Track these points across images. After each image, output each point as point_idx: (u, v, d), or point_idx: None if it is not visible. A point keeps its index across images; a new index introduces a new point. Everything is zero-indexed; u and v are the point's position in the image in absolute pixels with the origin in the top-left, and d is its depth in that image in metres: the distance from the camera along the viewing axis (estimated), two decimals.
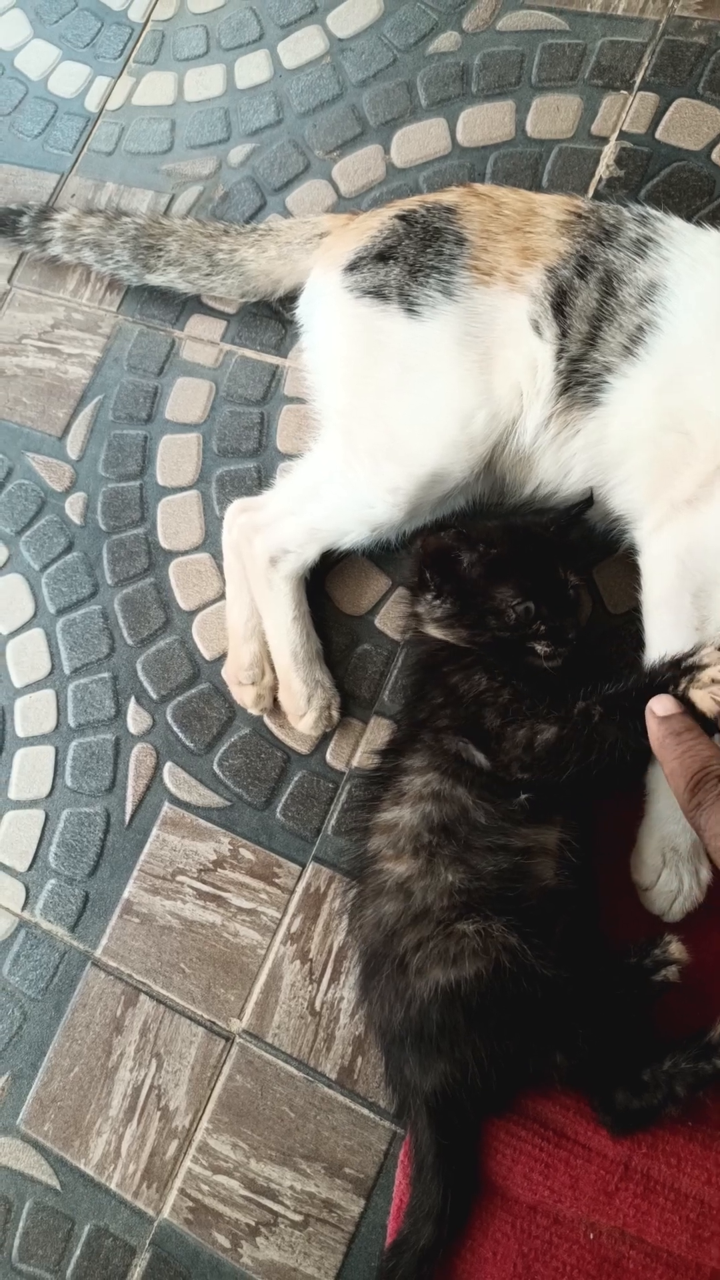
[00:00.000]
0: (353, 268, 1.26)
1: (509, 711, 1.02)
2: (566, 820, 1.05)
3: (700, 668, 0.97)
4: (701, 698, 0.95)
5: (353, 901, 1.10)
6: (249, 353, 1.53)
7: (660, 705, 0.95)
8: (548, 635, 1.06)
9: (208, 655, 1.39)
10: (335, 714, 1.30)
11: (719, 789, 0.88)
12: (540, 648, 1.06)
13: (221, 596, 1.39)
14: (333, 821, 1.27)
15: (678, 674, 0.97)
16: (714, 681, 0.95)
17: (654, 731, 0.95)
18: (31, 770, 1.41)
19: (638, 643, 1.15)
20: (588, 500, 1.18)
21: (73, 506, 1.52)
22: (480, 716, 1.03)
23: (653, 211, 1.21)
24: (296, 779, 1.31)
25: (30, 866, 1.36)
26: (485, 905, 0.98)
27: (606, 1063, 0.98)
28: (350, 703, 1.32)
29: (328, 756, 1.31)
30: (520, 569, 1.08)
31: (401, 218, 1.25)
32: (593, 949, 1.03)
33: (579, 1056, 0.96)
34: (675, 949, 0.96)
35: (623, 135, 1.47)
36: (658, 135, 1.45)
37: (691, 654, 0.99)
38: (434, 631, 1.11)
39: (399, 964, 1.00)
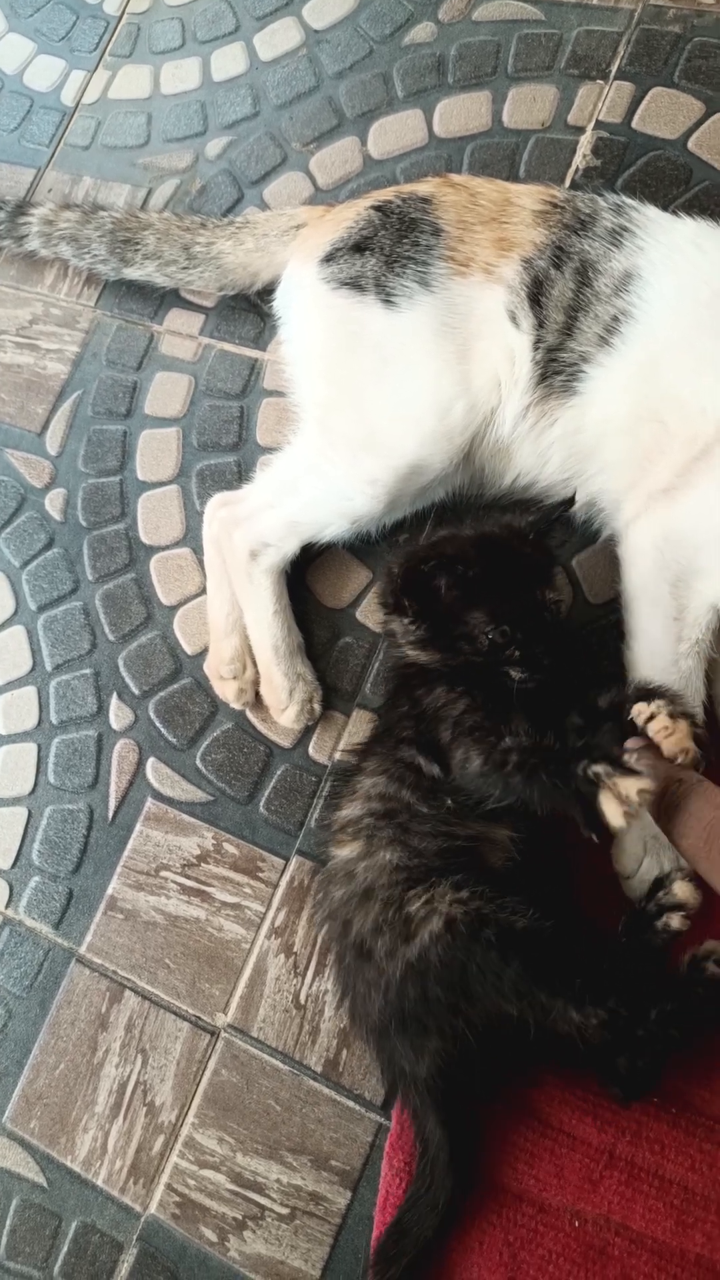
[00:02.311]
0: (329, 259, 1.25)
1: (457, 727, 1.01)
2: (517, 823, 1.03)
3: (621, 768, 0.90)
4: (610, 807, 0.89)
5: (317, 898, 1.11)
6: (228, 346, 1.52)
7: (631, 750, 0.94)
8: (521, 661, 1.02)
9: (189, 650, 1.39)
10: (317, 707, 1.30)
11: (682, 788, 0.91)
12: (514, 673, 1.03)
13: (203, 591, 1.39)
14: (316, 815, 1.27)
15: (602, 759, 0.92)
16: (638, 794, 0.89)
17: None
18: (14, 767, 1.40)
19: (619, 632, 1.15)
20: (568, 501, 1.14)
21: (53, 503, 1.51)
22: (436, 730, 1.03)
23: (628, 201, 1.21)
24: (279, 773, 1.30)
25: (13, 864, 1.36)
26: (427, 877, 0.98)
27: (612, 1020, 0.95)
28: (332, 696, 1.31)
29: (310, 750, 1.30)
30: (495, 591, 1.04)
31: (377, 208, 1.25)
32: (561, 914, 1.01)
33: (601, 1013, 0.93)
34: (681, 889, 0.95)
35: (599, 125, 1.47)
36: (634, 124, 1.45)
37: (608, 748, 0.94)
38: (409, 651, 1.09)
39: (360, 951, 1.00)
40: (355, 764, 1.10)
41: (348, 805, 1.07)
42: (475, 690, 1.03)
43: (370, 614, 1.34)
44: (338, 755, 1.28)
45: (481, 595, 1.03)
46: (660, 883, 0.98)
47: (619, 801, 0.88)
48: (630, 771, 0.90)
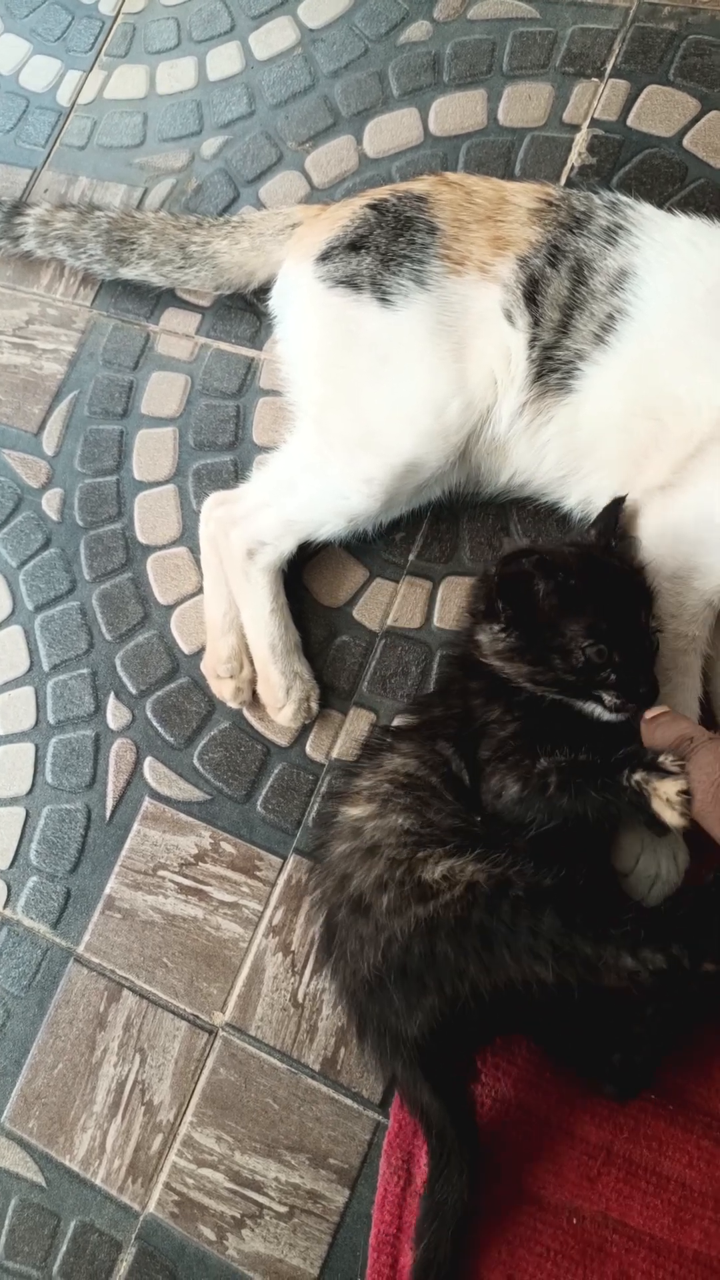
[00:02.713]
0: (325, 258, 1.25)
1: (500, 749, 0.99)
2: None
3: (658, 771, 0.93)
4: (668, 814, 0.92)
5: (314, 860, 1.10)
6: (224, 346, 1.52)
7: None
8: (617, 686, 0.97)
9: (186, 649, 1.39)
10: (314, 706, 1.30)
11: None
12: (608, 698, 0.98)
13: (199, 590, 1.39)
14: (313, 813, 1.27)
15: (639, 766, 0.94)
16: (678, 795, 0.91)
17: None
18: (11, 767, 1.40)
19: None
20: (618, 501, 1.11)
21: (49, 503, 1.52)
22: (479, 743, 1.01)
23: (623, 198, 1.21)
24: (276, 772, 1.30)
25: (11, 864, 1.36)
26: (439, 845, 0.96)
27: (584, 1047, 0.96)
28: (329, 694, 1.31)
29: (307, 749, 1.30)
30: (597, 606, 0.98)
31: (373, 207, 1.25)
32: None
33: (659, 959, 0.89)
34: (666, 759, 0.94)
35: (594, 123, 1.47)
36: (629, 122, 1.45)
37: (643, 753, 0.96)
38: (493, 663, 1.03)
39: (358, 905, 0.98)
40: (388, 743, 1.08)
41: (369, 776, 1.05)
42: (531, 717, 1.00)
43: (367, 612, 1.34)
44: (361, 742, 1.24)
45: (582, 607, 0.98)
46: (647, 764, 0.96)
47: (670, 807, 0.91)
48: (666, 773, 0.92)
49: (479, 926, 0.91)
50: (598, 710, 1.00)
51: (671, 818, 0.91)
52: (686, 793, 0.90)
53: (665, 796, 0.92)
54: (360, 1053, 1.10)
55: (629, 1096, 1.02)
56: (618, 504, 1.12)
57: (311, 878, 1.14)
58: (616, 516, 1.11)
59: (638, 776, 0.93)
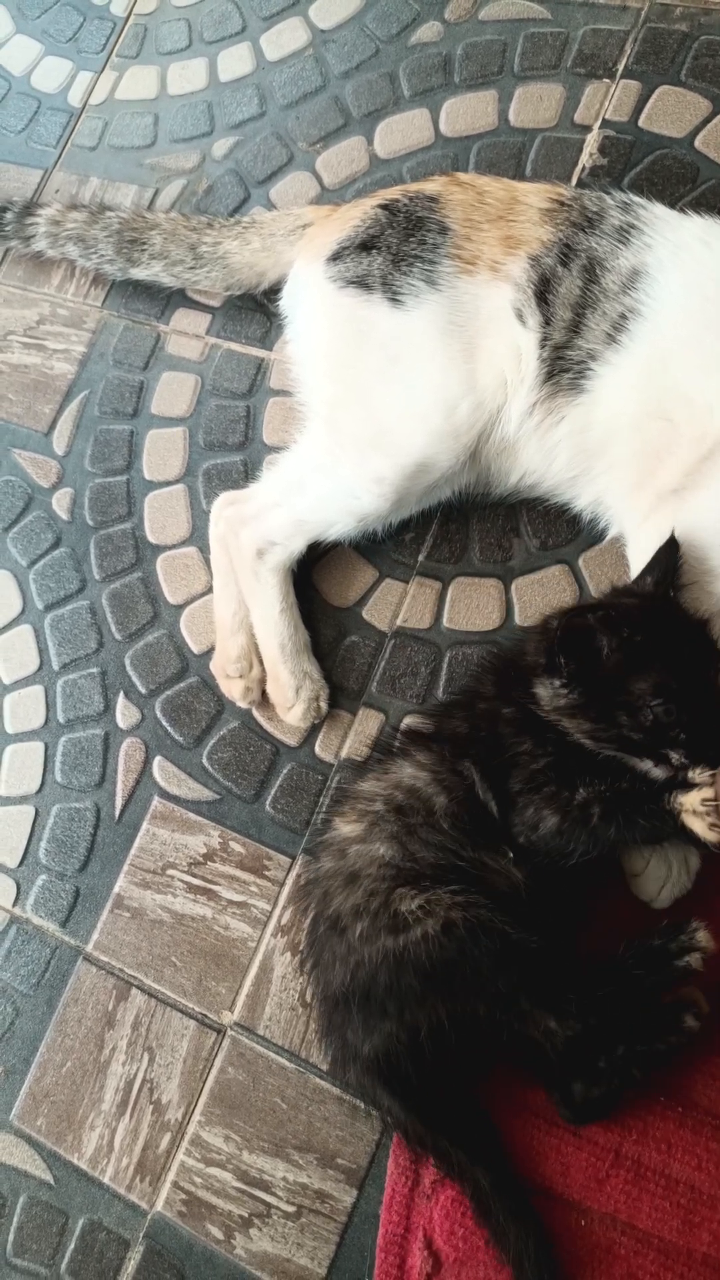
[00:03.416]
0: (336, 258, 1.25)
1: (533, 781, 0.98)
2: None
3: (688, 786, 0.93)
4: (697, 825, 0.91)
5: (306, 861, 1.11)
6: (234, 346, 1.53)
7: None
8: (687, 745, 0.94)
9: (196, 649, 1.39)
10: (323, 705, 1.30)
11: None
12: (675, 756, 0.94)
13: (209, 590, 1.39)
14: (322, 813, 1.27)
15: (673, 786, 0.95)
16: (705, 805, 0.91)
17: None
18: (21, 766, 1.40)
19: None
20: (672, 544, 1.06)
21: (60, 502, 1.52)
22: (508, 773, 0.99)
23: (636, 198, 1.21)
24: (285, 771, 1.30)
25: (21, 862, 1.36)
26: (419, 880, 0.97)
27: (592, 1037, 0.96)
28: (338, 694, 1.31)
29: (316, 748, 1.30)
30: (665, 662, 0.95)
31: (384, 207, 1.25)
32: (562, 929, 1.02)
33: (577, 1027, 0.94)
34: (703, 936, 0.95)
35: (606, 124, 1.47)
36: (641, 123, 1.45)
37: (684, 768, 0.95)
38: (552, 718, 0.99)
39: (335, 925, 1.01)
40: (405, 748, 1.07)
41: (372, 781, 1.05)
42: (564, 752, 0.98)
43: (376, 613, 1.34)
44: (388, 732, 1.26)
45: (649, 664, 0.95)
46: (680, 927, 0.97)
47: (699, 817, 0.90)
48: (689, 785, 0.93)
49: (448, 964, 0.94)
50: (651, 768, 0.96)
51: (700, 827, 0.90)
52: (711, 800, 0.90)
53: (691, 807, 0.91)
54: (321, 1054, 1.13)
55: (583, 1124, 1.03)
56: (673, 548, 1.06)
57: (304, 878, 1.16)
58: (674, 562, 1.05)
59: (674, 800, 0.93)
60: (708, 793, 0.91)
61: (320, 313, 1.28)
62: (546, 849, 0.97)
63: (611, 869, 1.10)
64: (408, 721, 1.21)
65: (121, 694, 1.40)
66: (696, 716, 0.94)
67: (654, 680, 0.93)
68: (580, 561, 1.29)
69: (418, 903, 0.96)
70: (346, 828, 1.05)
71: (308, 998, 1.19)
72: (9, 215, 1.55)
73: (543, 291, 1.16)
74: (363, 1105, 1.13)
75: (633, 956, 0.97)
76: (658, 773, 0.96)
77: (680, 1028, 0.97)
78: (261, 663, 1.31)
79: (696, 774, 0.93)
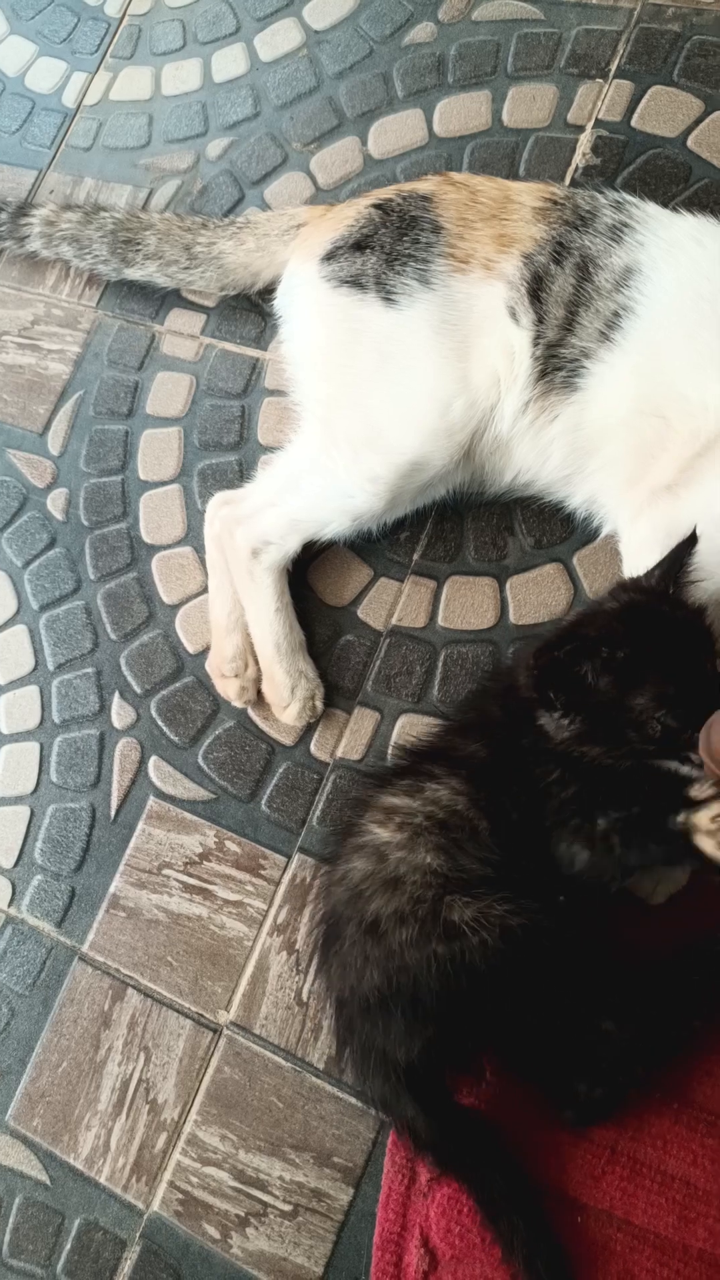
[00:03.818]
0: (330, 257, 1.26)
1: (561, 813, 0.96)
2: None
3: (689, 805, 0.91)
4: (707, 844, 0.89)
5: (326, 863, 1.08)
6: (229, 346, 1.53)
7: None
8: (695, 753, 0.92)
9: (191, 649, 1.39)
10: (319, 705, 1.30)
11: None
12: (696, 755, 0.91)
13: (204, 590, 1.39)
14: (318, 812, 1.27)
15: (680, 808, 0.93)
16: (715, 823, 0.89)
17: None
18: (16, 766, 1.40)
19: None
20: (691, 539, 1.02)
21: (54, 502, 1.52)
22: (543, 805, 0.97)
23: (628, 197, 1.21)
24: (281, 771, 1.30)
25: (16, 863, 1.36)
26: (469, 888, 0.95)
27: (553, 1067, 0.98)
28: (334, 694, 1.31)
29: (312, 748, 1.30)
30: (658, 669, 0.92)
31: (378, 207, 1.25)
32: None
33: (629, 1025, 0.95)
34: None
35: (599, 123, 1.47)
36: (633, 123, 1.45)
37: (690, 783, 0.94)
38: (567, 749, 0.97)
39: (372, 929, 0.96)
40: (433, 772, 1.02)
41: (403, 796, 1.01)
42: (591, 775, 0.96)
43: (371, 612, 1.34)
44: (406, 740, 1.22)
45: (642, 676, 0.92)
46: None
47: (710, 836, 0.89)
48: (695, 805, 0.91)
49: (508, 969, 0.92)
50: (683, 768, 0.94)
51: (710, 846, 0.88)
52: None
53: (704, 828, 0.89)
54: (337, 1059, 1.11)
55: (586, 1125, 1.03)
56: (691, 543, 1.02)
57: (319, 878, 1.13)
58: (685, 557, 1.01)
59: (680, 818, 0.91)
60: (716, 808, 0.89)
61: (314, 312, 1.28)
62: (588, 882, 0.96)
63: None
64: (419, 735, 1.17)
65: (117, 694, 1.40)
66: (705, 711, 0.90)
67: (652, 692, 0.91)
68: (575, 559, 1.29)
69: (470, 913, 0.93)
70: (385, 833, 1.00)
71: (304, 996, 1.20)
72: (3, 216, 1.55)
73: (536, 290, 1.16)
74: (370, 1110, 1.12)
75: (687, 959, 0.98)
76: (689, 771, 0.94)
77: (690, 1024, 0.98)
78: (257, 662, 1.31)
79: (697, 790, 0.91)
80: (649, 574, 1.02)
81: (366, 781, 1.11)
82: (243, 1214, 1.14)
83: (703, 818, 0.89)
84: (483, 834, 0.97)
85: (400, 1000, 0.95)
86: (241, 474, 1.45)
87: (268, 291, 1.45)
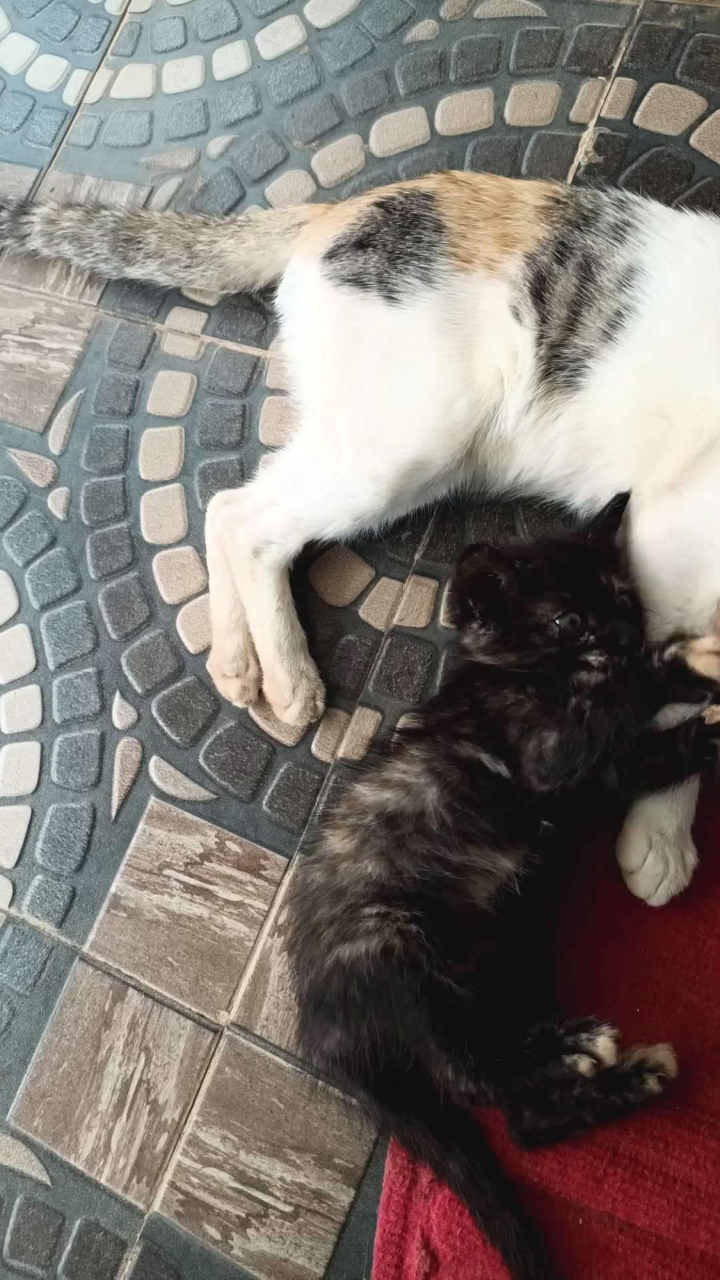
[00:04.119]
0: (331, 256, 1.25)
1: (526, 722, 1.00)
2: (531, 854, 1.03)
3: (692, 637, 0.97)
4: (701, 661, 0.94)
5: (300, 864, 1.12)
6: (230, 345, 1.52)
7: None
8: (599, 645, 1.00)
9: (192, 649, 1.39)
10: (320, 704, 1.29)
11: None
12: (593, 658, 1.00)
13: (205, 590, 1.39)
14: (318, 812, 1.27)
15: (662, 648, 0.99)
16: (709, 651, 0.94)
17: None
18: (17, 766, 1.40)
19: None
20: (623, 496, 1.14)
21: (55, 502, 1.52)
22: (503, 731, 1.01)
23: (631, 196, 1.20)
24: (282, 771, 1.30)
25: (17, 863, 1.36)
26: (395, 899, 0.99)
27: (506, 1086, 0.97)
28: (335, 693, 1.31)
29: (313, 748, 1.30)
30: (558, 580, 1.03)
31: (380, 205, 1.25)
32: (518, 987, 1.03)
33: (471, 1087, 0.95)
34: (603, 1045, 0.92)
35: (601, 121, 1.47)
36: (636, 121, 1.45)
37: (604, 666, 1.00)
38: (484, 659, 1.06)
39: (312, 932, 1.03)
40: (398, 744, 1.09)
41: (366, 783, 1.06)
42: (544, 691, 1.01)
43: (373, 612, 1.34)
44: (387, 732, 1.25)
45: (544, 586, 1.03)
46: (588, 1024, 0.95)
47: (703, 655, 0.93)
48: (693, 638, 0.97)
49: (379, 985, 0.96)
50: (592, 677, 1.00)
51: (711, 669, 0.93)
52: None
53: (701, 650, 0.94)
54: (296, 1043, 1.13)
55: (528, 1148, 1.03)
56: (621, 499, 1.14)
57: (296, 885, 1.18)
58: (613, 513, 1.14)
59: (671, 649, 0.97)
60: (712, 642, 0.94)
61: (316, 311, 1.28)
62: (559, 777, 0.98)
63: (604, 862, 1.10)
64: (402, 721, 1.21)
65: (118, 694, 1.39)
66: (599, 618, 1.01)
67: (552, 597, 1.02)
68: None
69: (375, 910, 0.98)
70: (338, 843, 1.05)
71: (298, 999, 1.19)
72: (4, 214, 1.54)
73: (539, 289, 1.16)
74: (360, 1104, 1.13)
75: (533, 1036, 0.96)
76: (591, 678, 1.00)
77: (641, 1088, 0.98)
78: (258, 662, 1.31)
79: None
80: (585, 531, 1.15)
81: (348, 771, 1.17)
82: (243, 1215, 1.13)
83: (706, 643, 0.95)
84: (428, 810, 1.00)
85: (314, 998, 1.02)
86: (243, 473, 1.45)
87: (269, 290, 1.45)
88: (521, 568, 1.04)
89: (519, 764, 0.99)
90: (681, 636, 1.05)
